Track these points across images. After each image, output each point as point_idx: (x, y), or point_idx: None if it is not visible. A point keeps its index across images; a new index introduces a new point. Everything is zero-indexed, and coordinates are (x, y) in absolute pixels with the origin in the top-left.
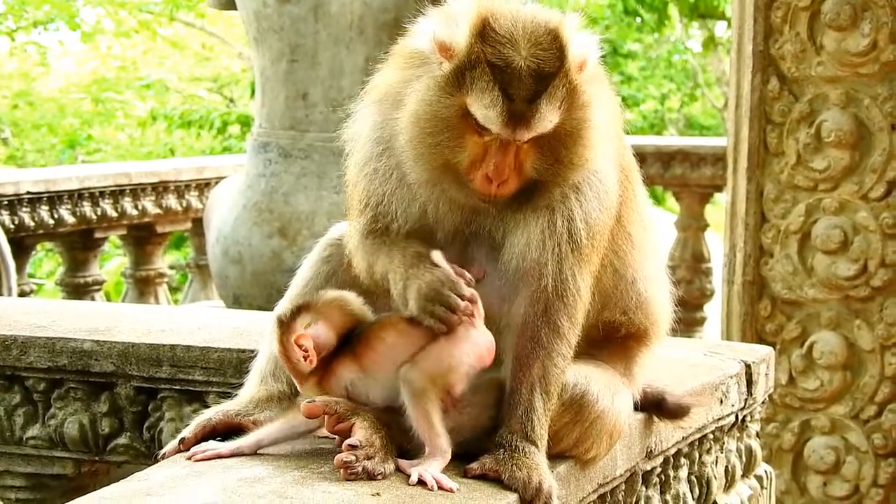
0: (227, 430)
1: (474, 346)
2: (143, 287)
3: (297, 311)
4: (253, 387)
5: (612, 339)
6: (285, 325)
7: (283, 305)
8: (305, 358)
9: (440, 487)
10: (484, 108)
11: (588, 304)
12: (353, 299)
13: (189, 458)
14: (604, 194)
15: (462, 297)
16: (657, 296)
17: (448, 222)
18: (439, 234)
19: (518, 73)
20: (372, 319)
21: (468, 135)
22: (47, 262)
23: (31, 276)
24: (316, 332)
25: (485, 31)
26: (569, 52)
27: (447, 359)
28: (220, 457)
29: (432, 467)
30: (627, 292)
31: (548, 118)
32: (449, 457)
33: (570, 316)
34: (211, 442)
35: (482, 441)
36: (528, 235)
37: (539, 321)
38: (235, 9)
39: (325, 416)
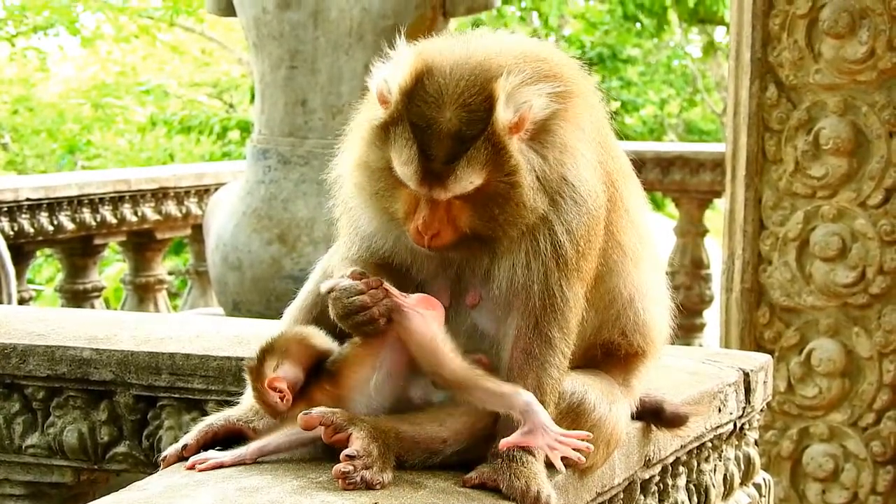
0: (229, 435)
1: (423, 318)
2: (142, 293)
3: (263, 355)
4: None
5: (612, 355)
6: (255, 372)
7: (253, 354)
8: (282, 398)
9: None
10: (402, 164)
11: (581, 312)
12: (313, 332)
13: (189, 468)
14: (581, 199)
15: (362, 293)
16: (656, 317)
17: (421, 259)
18: (424, 268)
19: (438, 134)
20: (336, 350)
21: (400, 186)
22: (47, 267)
23: (30, 281)
24: (285, 373)
25: (414, 89)
26: (497, 114)
27: (423, 348)
28: (221, 466)
29: (561, 441)
30: (625, 312)
31: (466, 179)
32: (529, 400)
33: (562, 326)
34: (210, 451)
35: (479, 450)
36: (514, 259)
37: (531, 333)
38: (235, 15)
39: (322, 427)
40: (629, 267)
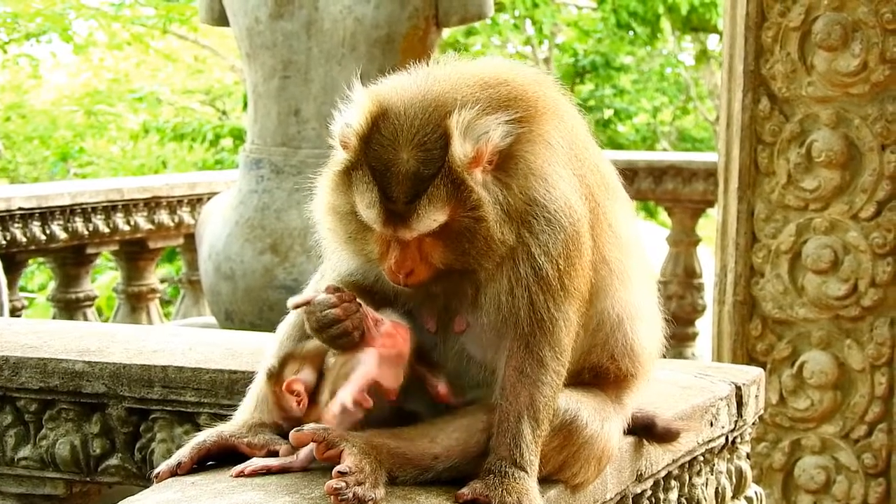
0: (222, 452)
1: (373, 358)
2: (134, 302)
3: (284, 361)
4: (247, 411)
5: (602, 378)
6: (275, 377)
7: (272, 361)
8: (298, 402)
9: None
10: (365, 208)
11: (575, 329)
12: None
13: (237, 476)
14: (553, 218)
15: (335, 306)
16: (645, 339)
17: (406, 293)
18: (410, 299)
19: (397, 176)
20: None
21: (370, 229)
22: (39, 275)
23: (22, 289)
24: (304, 377)
25: (370, 133)
26: (452, 151)
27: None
28: (269, 471)
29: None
30: (614, 335)
31: (429, 218)
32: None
33: (553, 346)
34: (256, 459)
35: (471, 466)
36: (498, 287)
37: (522, 353)
38: (228, 24)
39: (314, 444)
40: (616, 285)
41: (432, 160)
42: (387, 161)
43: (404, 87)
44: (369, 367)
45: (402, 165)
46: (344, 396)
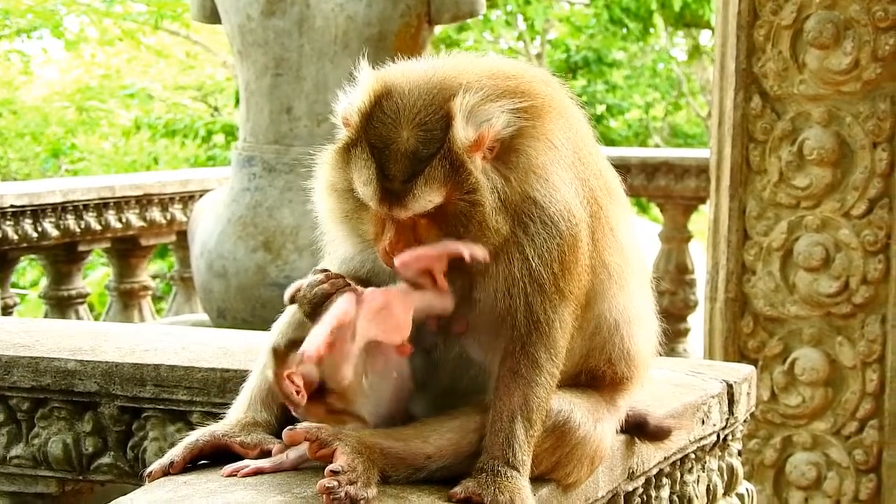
0: (215, 451)
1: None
2: (126, 300)
3: (291, 344)
4: (240, 410)
5: (598, 381)
6: (280, 358)
7: (278, 338)
8: (297, 393)
9: None
10: (362, 185)
11: (571, 332)
12: None
13: (229, 475)
14: (550, 222)
15: (323, 283)
16: (641, 344)
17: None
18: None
19: (396, 154)
20: None
21: (367, 208)
22: (31, 270)
23: (14, 285)
24: (306, 371)
25: (372, 111)
26: (453, 132)
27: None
28: (261, 472)
29: None
30: (612, 339)
31: (425, 198)
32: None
33: (548, 348)
34: (248, 460)
35: (464, 465)
36: (494, 286)
37: (517, 354)
38: (220, 22)
39: (307, 443)
40: (614, 290)
41: (432, 140)
42: (386, 139)
43: (411, 70)
44: (339, 311)
45: (401, 144)
46: (309, 345)
